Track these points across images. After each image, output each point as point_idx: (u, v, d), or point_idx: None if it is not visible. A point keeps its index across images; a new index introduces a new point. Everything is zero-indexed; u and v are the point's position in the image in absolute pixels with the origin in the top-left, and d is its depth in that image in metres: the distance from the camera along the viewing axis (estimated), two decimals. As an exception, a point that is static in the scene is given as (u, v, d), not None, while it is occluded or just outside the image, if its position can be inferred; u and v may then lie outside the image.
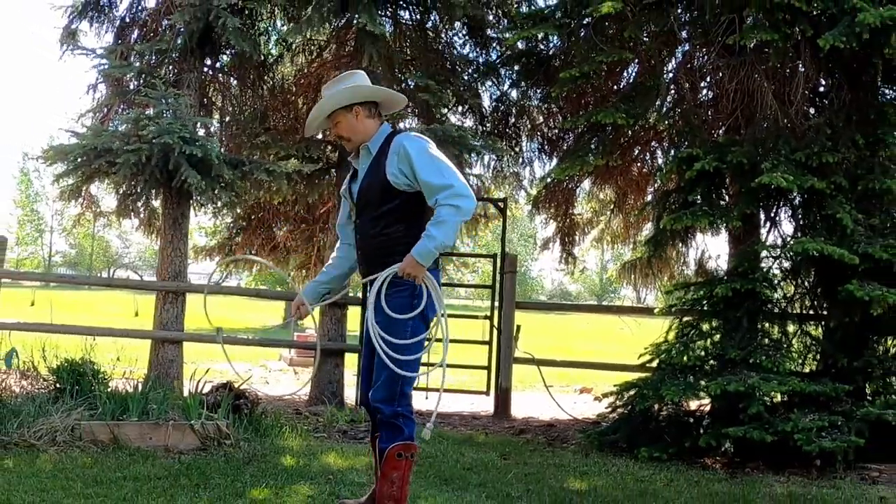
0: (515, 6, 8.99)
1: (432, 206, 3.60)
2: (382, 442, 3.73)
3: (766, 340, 6.32)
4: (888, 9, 5.77)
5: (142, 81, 7.84)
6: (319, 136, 9.35)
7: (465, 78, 8.79)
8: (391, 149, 3.73)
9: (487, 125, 9.15)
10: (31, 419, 5.24)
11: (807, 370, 6.43)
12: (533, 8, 8.73)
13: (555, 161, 9.04)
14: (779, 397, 5.86)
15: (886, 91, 6.76)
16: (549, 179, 8.36)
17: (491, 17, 8.92)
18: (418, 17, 8.80)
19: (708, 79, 7.42)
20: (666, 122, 7.49)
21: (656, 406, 6.20)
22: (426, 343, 3.78)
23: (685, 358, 6.27)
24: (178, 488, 4.37)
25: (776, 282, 6.61)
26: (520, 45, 8.03)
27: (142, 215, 8.78)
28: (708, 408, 6.34)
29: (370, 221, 3.76)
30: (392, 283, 3.65)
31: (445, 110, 8.63)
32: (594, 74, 7.08)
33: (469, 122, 9.04)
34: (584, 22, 7.30)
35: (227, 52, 8.42)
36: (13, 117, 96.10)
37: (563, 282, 59.34)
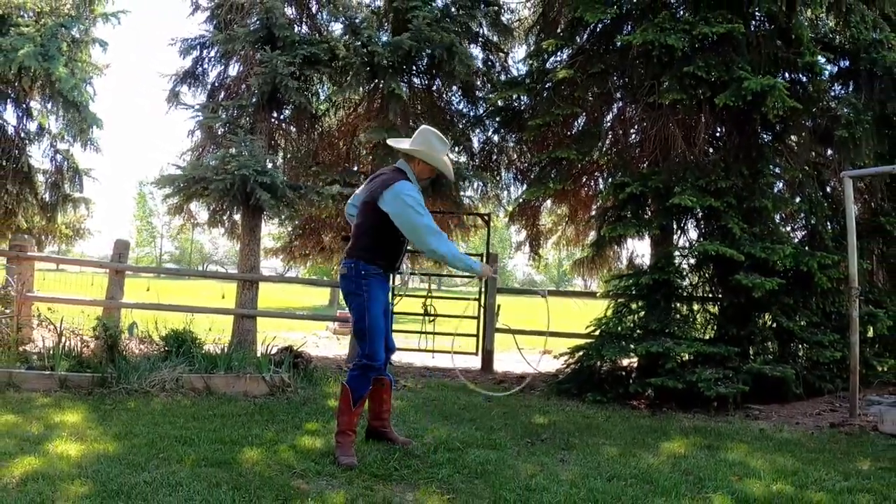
0: (497, 75, 8.99)
1: None
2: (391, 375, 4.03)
3: (678, 316, 6.34)
4: (766, 78, 5.80)
5: (227, 129, 7.85)
6: (355, 168, 9.38)
7: (460, 126, 8.79)
8: None
9: (476, 160, 9.14)
10: (147, 373, 5.25)
11: (707, 337, 6.44)
12: (509, 76, 8.75)
13: (525, 186, 9.04)
14: (687, 357, 5.86)
15: (764, 136, 6.75)
16: (521, 200, 8.36)
17: (479, 83, 8.92)
18: (427, 82, 8.80)
19: (636, 127, 7.43)
20: (605, 158, 7.50)
21: (598, 363, 6.21)
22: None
23: (619, 328, 6.29)
24: (253, 423, 4.38)
25: (685, 273, 6.62)
26: (500, 102, 8.03)
27: (226, 225, 8.79)
28: (636, 364, 6.35)
29: None
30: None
31: (446, 150, 8.64)
32: (553, 123, 7.09)
33: (463, 159, 9.03)
34: (546, 85, 7.32)
35: (288, 108, 8.42)
36: (133, 155, 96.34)
37: (531, 273, 59.35)
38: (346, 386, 3.68)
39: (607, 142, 7.50)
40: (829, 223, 6.69)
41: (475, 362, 8.51)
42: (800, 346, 6.20)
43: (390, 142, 4.05)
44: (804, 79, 6.64)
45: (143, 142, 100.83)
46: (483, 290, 8.39)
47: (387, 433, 3.98)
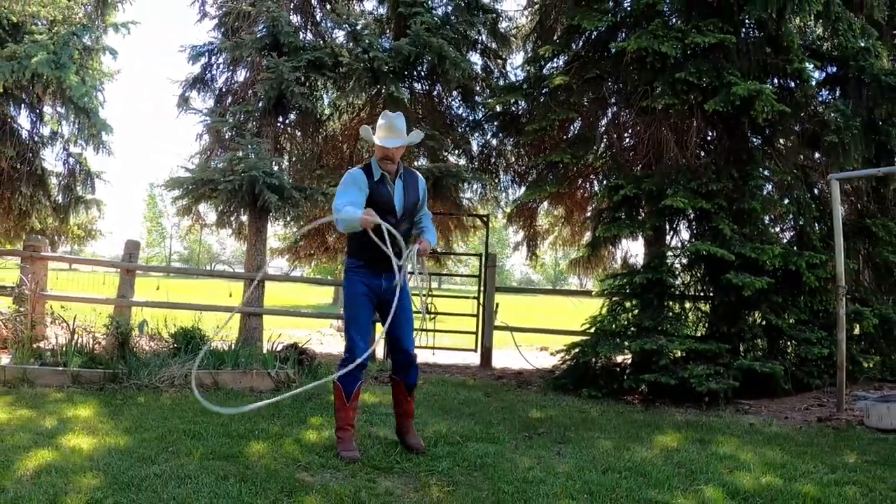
0: (495, 80, 8.99)
1: (419, 220, 3.84)
2: (416, 379, 3.81)
3: (670, 314, 6.34)
4: (753, 83, 5.81)
5: (234, 133, 7.86)
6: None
7: (460, 130, 8.79)
8: (417, 179, 3.79)
9: (475, 163, 9.14)
10: (157, 369, 5.26)
11: (698, 334, 6.44)
12: (507, 82, 8.75)
13: (522, 188, 9.03)
14: (679, 353, 5.87)
15: (754, 139, 6.76)
16: (518, 201, 8.36)
17: (478, 88, 8.92)
18: (427, 87, 8.80)
19: (629, 131, 7.43)
20: (600, 161, 7.50)
21: (594, 359, 6.20)
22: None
23: (614, 326, 6.28)
24: (260, 417, 4.38)
25: (677, 273, 6.62)
26: (498, 107, 8.03)
27: (234, 226, 8.78)
28: (630, 360, 6.35)
29: (407, 223, 3.72)
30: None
31: (446, 153, 8.66)
32: (550, 128, 7.08)
33: (463, 161, 9.03)
34: (543, 91, 7.32)
35: (294, 112, 8.42)
36: (143, 158, 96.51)
37: (528, 273, 59.37)
38: (337, 383, 3.66)
39: (602, 145, 7.50)
40: (816, 224, 6.69)
41: (474, 358, 8.52)
42: (788, 343, 6.21)
43: (362, 132, 3.86)
44: (792, 85, 6.64)
45: (150, 144, 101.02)
46: (482, 289, 8.39)
47: (402, 433, 3.82)
